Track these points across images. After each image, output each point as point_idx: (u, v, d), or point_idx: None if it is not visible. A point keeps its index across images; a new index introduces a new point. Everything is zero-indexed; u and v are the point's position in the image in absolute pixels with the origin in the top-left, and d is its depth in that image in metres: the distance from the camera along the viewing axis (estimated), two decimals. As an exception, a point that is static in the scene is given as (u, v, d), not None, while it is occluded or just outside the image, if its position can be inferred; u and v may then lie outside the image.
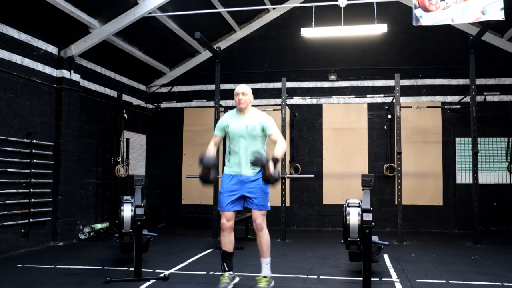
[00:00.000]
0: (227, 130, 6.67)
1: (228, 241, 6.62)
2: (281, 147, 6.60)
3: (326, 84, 14.39)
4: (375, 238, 7.41)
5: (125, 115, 13.01)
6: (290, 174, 13.87)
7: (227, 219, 6.55)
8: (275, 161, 6.32)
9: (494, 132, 13.45)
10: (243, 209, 6.71)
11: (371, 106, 14.11)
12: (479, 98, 13.05)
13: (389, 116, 13.68)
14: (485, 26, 10.67)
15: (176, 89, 15.21)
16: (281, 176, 6.58)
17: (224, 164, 6.78)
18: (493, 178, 13.44)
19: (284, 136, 11.90)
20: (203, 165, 6.34)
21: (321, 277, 7.54)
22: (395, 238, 11.23)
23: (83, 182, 11.97)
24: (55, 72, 10.82)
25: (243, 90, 6.71)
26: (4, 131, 9.44)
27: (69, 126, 11.04)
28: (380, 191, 13.75)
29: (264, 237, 6.57)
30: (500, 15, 9.37)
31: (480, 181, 12.32)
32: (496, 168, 13.46)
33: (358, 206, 6.78)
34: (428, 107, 13.27)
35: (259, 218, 6.53)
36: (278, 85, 13.45)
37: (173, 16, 12.30)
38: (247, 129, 6.58)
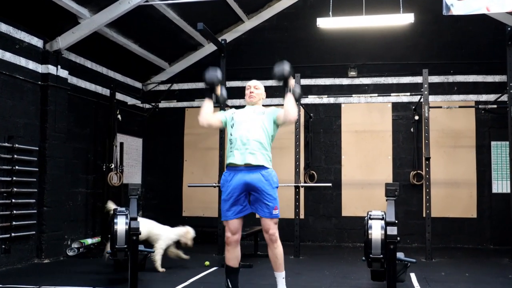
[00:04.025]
0: (231, 116, 6.90)
1: (233, 256, 6.63)
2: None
3: (345, 81, 14.37)
4: (400, 255, 7.36)
5: (119, 116, 13.00)
6: (305, 182, 13.84)
7: (232, 232, 6.56)
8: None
9: (535, 135, 13.40)
10: (250, 210, 6.69)
11: (396, 106, 14.08)
12: (518, 96, 13.00)
13: (416, 117, 13.63)
14: (525, 15, 10.63)
15: (176, 86, 15.23)
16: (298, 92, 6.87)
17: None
18: (534, 187, 13.39)
19: (298, 140, 11.88)
20: (207, 82, 6.86)
21: (339, 299, 7.51)
22: (423, 254, 11.17)
23: (72, 192, 11.98)
24: (40, 68, 10.83)
25: (256, 84, 7.00)
26: (-17, 134, 9.47)
27: (56, 129, 11.05)
28: (406, 202, 13.71)
29: (278, 248, 6.61)
30: (542, 3, 9.31)
31: (519, 191, 12.24)
32: (537, 175, 13.41)
33: (382, 219, 6.75)
34: (460, 107, 13.23)
35: (272, 228, 6.56)
36: (291, 82, 13.45)
37: (173, 5, 12.29)
38: (254, 113, 6.81)
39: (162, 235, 9.56)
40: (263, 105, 7.12)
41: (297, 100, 6.87)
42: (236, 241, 6.61)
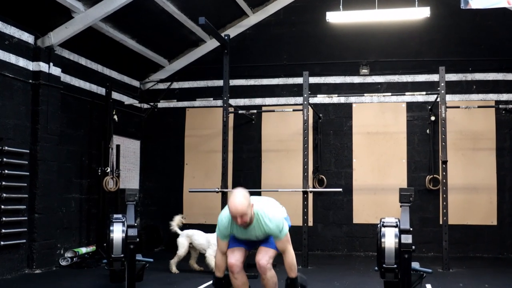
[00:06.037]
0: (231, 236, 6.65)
1: (241, 283, 6.55)
2: (292, 265, 6.51)
3: (356, 80, 14.36)
4: (415, 265, 7.34)
5: (115, 117, 13.01)
6: (314, 187, 13.82)
7: (236, 258, 6.47)
8: (295, 283, 6.42)
9: (559, 137, 13.38)
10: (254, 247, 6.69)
11: (410, 106, 14.05)
12: (542, 95, 12.98)
13: (433, 118, 13.60)
14: (549, 8, 10.60)
15: (176, 85, 15.22)
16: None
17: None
18: (559, 193, 13.36)
19: (307, 142, 11.85)
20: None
21: (350, 312, 7.50)
22: (440, 264, 11.15)
23: (65, 197, 11.97)
24: (31, 65, 10.83)
25: (240, 212, 6.20)
26: (-30, 136, 9.48)
27: (48, 130, 11.04)
28: (422, 208, 13.68)
29: (271, 280, 6.50)
30: None
31: (543, 196, 12.25)
32: (562, 180, 13.37)
33: (396, 226, 6.73)
34: (479, 107, 13.20)
35: (264, 258, 6.43)
36: (299, 80, 13.43)
37: (173, -2, 12.35)
38: (257, 239, 6.57)
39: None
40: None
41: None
42: (240, 268, 6.50)
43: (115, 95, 13.48)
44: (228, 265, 6.49)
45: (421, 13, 10.76)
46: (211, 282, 9.47)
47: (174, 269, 10.56)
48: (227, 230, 6.50)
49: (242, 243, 6.53)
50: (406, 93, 13.30)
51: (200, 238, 10.70)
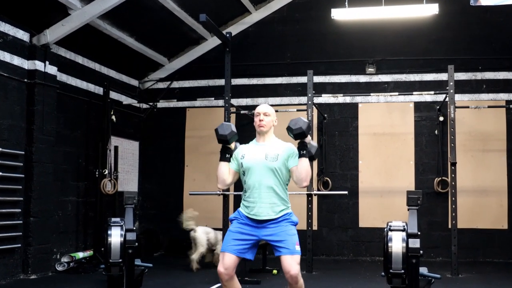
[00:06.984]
0: (241, 162, 6.44)
1: None
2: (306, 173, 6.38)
3: (362, 79, 14.34)
4: (423, 270, 7.33)
5: (113, 117, 13.00)
6: (318, 190, 13.80)
7: (225, 267, 6.15)
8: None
9: None
10: (253, 259, 6.51)
11: (418, 106, 14.03)
12: (554, 95, 12.96)
13: (441, 118, 13.58)
14: (562, 5, 10.57)
15: (176, 84, 15.22)
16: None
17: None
18: None
19: (310, 143, 11.83)
20: (219, 137, 6.47)
21: (356, 319, 7.48)
22: (449, 269, 11.11)
23: (61, 201, 11.96)
24: (26, 64, 10.81)
25: (265, 110, 6.42)
26: (-36, 137, 9.47)
27: (44, 131, 11.02)
28: (430, 211, 13.65)
29: None
30: None
31: (555, 199, 12.21)
32: None
33: (403, 230, 6.71)
34: (489, 107, 13.18)
35: (294, 267, 6.09)
36: (303, 79, 13.39)
37: (173, -6, 12.33)
38: (266, 159, 6.31)
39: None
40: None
41: (315, 158, 6.55)
42: (230, 276, 6.19)
43: (113, 95, 13.48)
44: (218, 274, 6.20)
45: (429, 10, 10.75)
46: (216, 285, 9.53)
47: (196, 265, 11.03)
48: (238, 152, 6.56)
49: (241, 243, 6.39)
50: (414, 93, 13.26)
51: (213, 234, 11.58)
